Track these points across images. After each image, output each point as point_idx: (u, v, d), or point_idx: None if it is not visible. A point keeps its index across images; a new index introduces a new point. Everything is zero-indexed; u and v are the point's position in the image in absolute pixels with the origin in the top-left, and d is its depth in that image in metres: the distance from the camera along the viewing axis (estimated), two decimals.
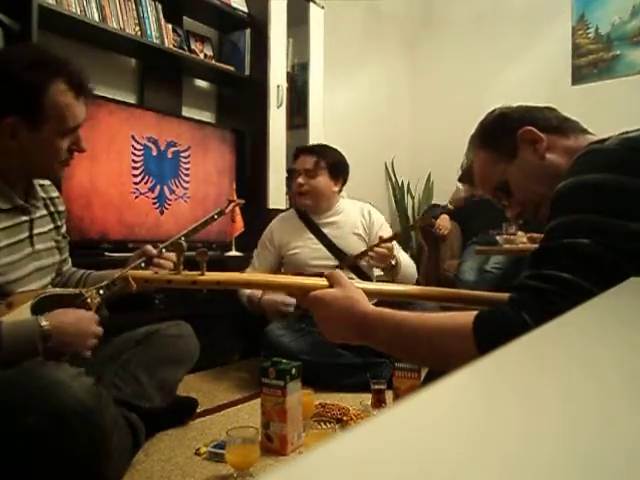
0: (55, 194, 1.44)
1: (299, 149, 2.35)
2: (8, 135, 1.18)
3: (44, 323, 1.15)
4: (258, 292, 2.12)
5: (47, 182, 1.42)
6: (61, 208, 1.45)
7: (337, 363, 2.01)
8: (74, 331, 1.20)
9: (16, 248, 1.25)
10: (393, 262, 2.08)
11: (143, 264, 1.38)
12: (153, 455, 1.40)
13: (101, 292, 1.31)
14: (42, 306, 1.21)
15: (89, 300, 1.29)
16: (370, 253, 2.02)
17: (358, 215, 2.33)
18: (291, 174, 2.46)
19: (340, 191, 2.34)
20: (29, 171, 1.29)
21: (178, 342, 1.56)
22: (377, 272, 2.37)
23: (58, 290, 1.34)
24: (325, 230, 2.28)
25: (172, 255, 1.40)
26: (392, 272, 2.10)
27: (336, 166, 2.28)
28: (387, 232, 2.29)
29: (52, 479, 1.07)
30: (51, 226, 1.40)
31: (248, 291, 2.17)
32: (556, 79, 3.90)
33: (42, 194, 1.38)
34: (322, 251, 2.24)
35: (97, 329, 1.25)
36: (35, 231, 1.32)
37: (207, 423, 1.66)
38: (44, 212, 1.38)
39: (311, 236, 2.27)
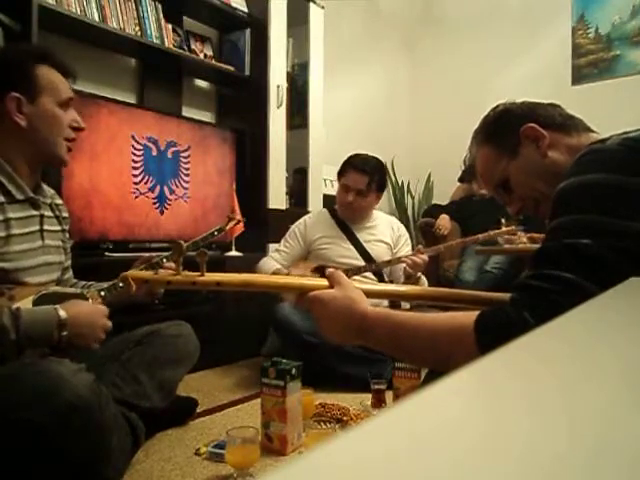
0: (59, 201, 1.49)
1: (352, 165, 2.31)
2: (15, 110, 1.26)
3: (62, 313, 1.18)
4: (283, 270, 2.21)
5: (52, 191, 1.47)
6: (65, 214, 1.49)
7: (341, 350, 2.03)
8: (87, 323, 1.23)
9: (28, 238, 1.29)
10: (418, 275, 2.16)
11: (164, 260, 1.43)
12: (153, 455, 1.40)
13: (102, 293, 1.34)
14: (43, 303, 1.22)
15: (90, 301, 1.31)
16: (406, 259, 2.09)
17: (388, 227, 2.44)
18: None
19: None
20: (37, 149, 1.33)
21: (178, 342, 1.57)
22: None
23: (59, 288, 1.36)
24: (357, 234, 2.37)
25: (172, 264, 1.43)
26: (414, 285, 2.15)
27: (382, 184, 2.35)
28: (409, 247, 2.44)
29: (52, 476, 1.07)
30: (58, 228, 1.44)
31: (273, 269, 2.24)
32: (556, 79, 3.90)
33: (48, 199, 1.43)
34: (351, 251, 2.32)
35: (107, 323, 1.28)
36: (45, 227, 1.36)
37: (207, 423, 1.66)
38: (51, 214, 1.42)
39: (343, 236, 2.35)
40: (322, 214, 2.48)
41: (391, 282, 2.37)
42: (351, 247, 2.33)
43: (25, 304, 1.20)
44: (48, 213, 1.40)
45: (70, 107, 1.36)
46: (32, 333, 1.13)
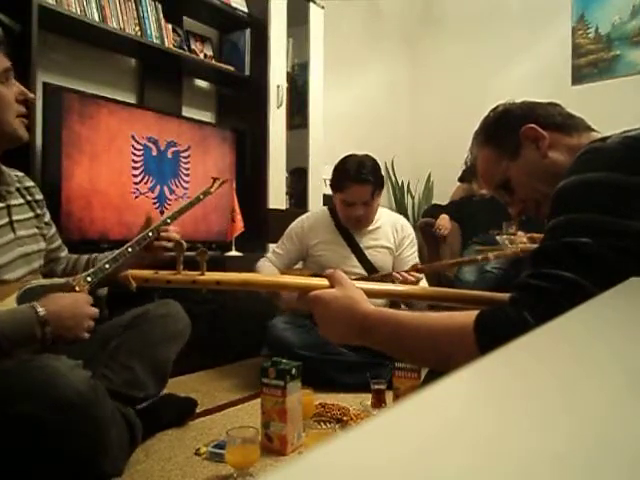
0: (30, 183, 1.42)
1: (352, 178, 2.09)
2: None
3: (40, 309, 1.14)
4: (275, 273, 2.14)
5: (20, 173, 1.41)
6: (38, 197, 1.43)
7: (338, 361, 2.02)
8: (71, 314, 1.19)
9: None
10: None
11: (150, 234, 1.41)
12: (153, 455, 1.40)
13: (89, 279, 1.29)
14: (28, 297, 1.19)
15: (77, 288, 1.27)
16: (397, 275, 1.96)
17: (391, 228, 2.30)
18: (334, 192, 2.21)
19: None
20: None
21: (167, 321, 1.52)
22: None
23: (43, 281, 1.32)
24: (359, 239, 2.25)
25: (176, 228, 1.45)
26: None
27: (382, 183, 2.20)
28: (414, 249, 2.31)
29: (51, 471, 1.07)
30: (31, 214, 1.38)
31: (268, 265, 2.21)
32: (556, 79, 3.90)
33: (17, 184, 1.36)
34: (350, 258, 2.21)
35: (92, 310, 1.24)
36: (14, 217, 1.30)
37: (207, 423, 1.66)
38: (21, 200, 1.36)
39: (342, 242, 2.23)
40: (322, 215, 2.32)
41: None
42: (351, 254, 2.21)
43: (9, 302, 1.18)
44: (16, 201, 1.33)
45: (10, 79, 1.25)
46: (12, 335, 1.10)
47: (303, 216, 2.36)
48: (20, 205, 1.35)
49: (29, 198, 1.39)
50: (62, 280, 1.30)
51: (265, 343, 2.12)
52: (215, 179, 1.61)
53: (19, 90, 1.27)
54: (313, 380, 1.70)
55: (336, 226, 2.26)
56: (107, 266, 1.33)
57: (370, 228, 2.27)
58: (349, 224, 2.23)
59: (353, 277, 2.05)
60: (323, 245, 2.24)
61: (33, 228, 1.38)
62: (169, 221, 1.47)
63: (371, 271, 2.18)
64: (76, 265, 1.50)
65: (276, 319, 2.13)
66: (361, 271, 2.18)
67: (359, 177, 2.09)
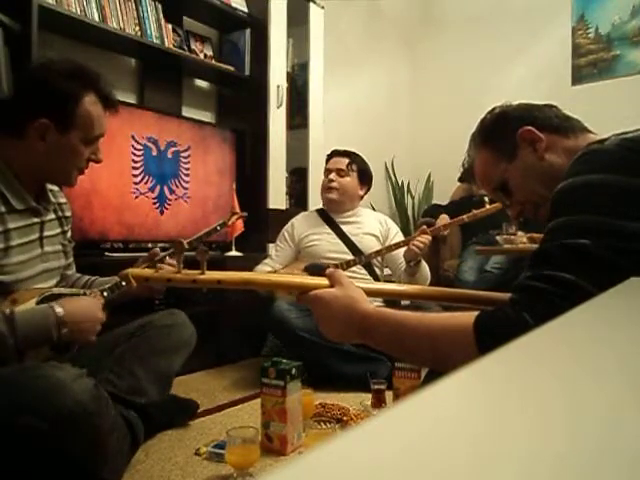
0: (63, 200, 1.47)
1: (334, 151, 2.51)
2: (38, 136, 1.23)
3: (59, 309, 1.17)
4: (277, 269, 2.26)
5: (56, 188, 1.44)
6: (68, 214, 1.47)
7: (339, 348, 2.03)
8: (85, 318, 1.23)
9: (27, 248, 1.27)
10: (419, 258, 2.18)
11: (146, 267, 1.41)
12: (153, 455, 1.40)
13: (105, 294, 1.34)
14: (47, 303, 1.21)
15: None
16: (414, 242, 2.12)
17: (376, 221, 2.48)
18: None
19: (363, 197, 2.52)
20: (48, 174, 1.32)
21: (172, 331, 1.54)
22: (386, 272, 2.45)
23: (62, 290, 1.35)
24: (344, 227, 2.40)
25: (173, 262, 1.44)
26: (415, 269, 2.18)
27: (364, 172, 2.48)
28: (401, 238, 2.42)
29: (50, 476, 1.07)
30: (58, 230, 1.42)
31: (267, 269, 2.28)
32: (556, 79, 3.90)
33: (52, 199, 1.40)
34: (339, 245, 2.35)
35: (103, 315, 1.28)
36: (45, 233, 1.34)
37: (207, 423, 1.66)
38: (53, 216, 1.40)
39: (330, 231, 2.39)
40: (309, 213, 2.55)
41: (390, 278, 2.38)
42: (339, 241, 2.35)
43: (28, 306, 1.19)
44: (50, 216, 1.38)
45: (97, 142, 1.34)
46: (30, 334, 1.13)
47: (293, 218, 2.54)
48: (51, 221, 1.39)
49: (60, 214, 1.43)
50: (80, 291, 1.35)
51: (267, 325, 2.21)
52: (234, 213, 1.68)
53: (94, 151, 1.34)
54: (312, 368, 1.73)
55: (323, 220, 2.44)
56: (124, 283, 1.37)
57: (352, 219, 2.44)
58: (327, 197, 2.42)
59: (338, 262, 2.11)
60: (313, 236, 2.38)
61: (58, 245, 1.41)
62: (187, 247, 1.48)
63: (359, 255, 2.28)
64: (74, 285, 1.51)
65: (279, 301, 2.15)
66: (350, 256, 2.28)
67: (337, 151, 2.49)
